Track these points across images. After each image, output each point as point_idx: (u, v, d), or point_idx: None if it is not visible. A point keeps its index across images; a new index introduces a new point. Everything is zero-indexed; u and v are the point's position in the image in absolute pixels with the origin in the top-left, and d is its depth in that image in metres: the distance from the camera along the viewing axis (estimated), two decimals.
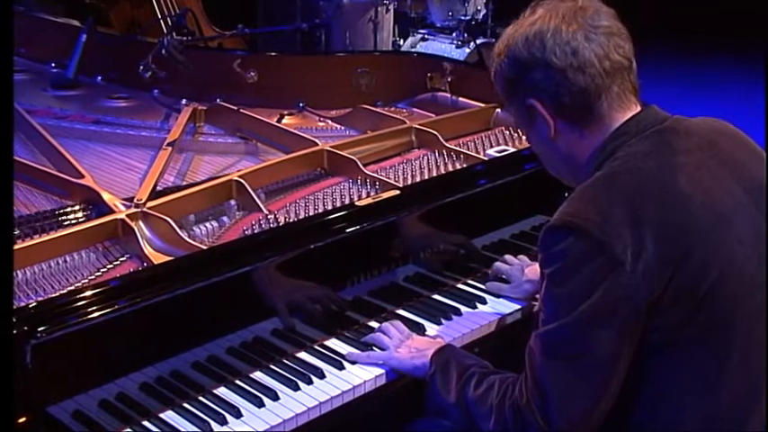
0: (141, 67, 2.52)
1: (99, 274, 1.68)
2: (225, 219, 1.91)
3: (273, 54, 2.92)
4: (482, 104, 2.55)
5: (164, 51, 2.52)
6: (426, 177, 2.12)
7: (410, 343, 1.71)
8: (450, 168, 2.17)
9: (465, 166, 2.17)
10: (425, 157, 2.24)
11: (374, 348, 1.73)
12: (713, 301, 1.33)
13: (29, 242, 1.71)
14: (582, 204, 1.35)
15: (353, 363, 1.70)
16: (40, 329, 1.41)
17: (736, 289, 1.35)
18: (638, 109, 1.45)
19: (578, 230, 1.32)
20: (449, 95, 2.67)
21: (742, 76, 6.06)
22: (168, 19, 3.14)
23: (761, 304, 1.38)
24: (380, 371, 1.69)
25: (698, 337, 1.34)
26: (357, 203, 1.89)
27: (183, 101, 2.58)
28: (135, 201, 1.85)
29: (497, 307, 1.93)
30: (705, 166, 1.40)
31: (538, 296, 1.53)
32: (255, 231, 1.83)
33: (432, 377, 1.58)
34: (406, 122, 2.38)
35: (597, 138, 1.43)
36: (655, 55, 6.58)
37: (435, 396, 1.56)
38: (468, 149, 2.27)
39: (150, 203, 1.84)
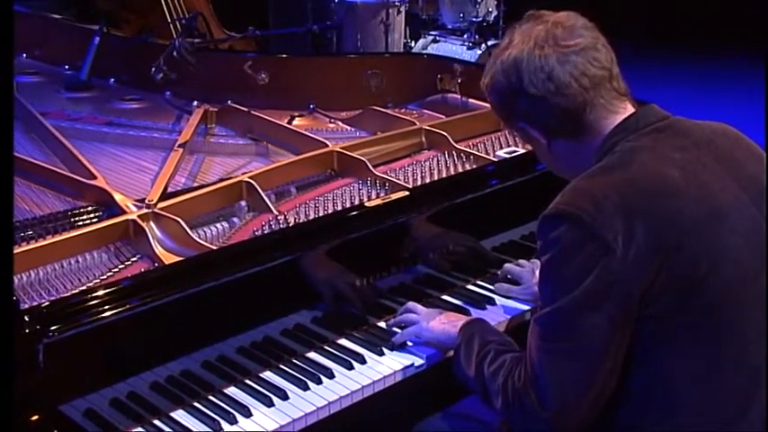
0: (153, 69, 2.54)
1: (111, 274, 1.69)
2: (235, 219, 1.92)
3: (284, 56, 2.94)
4: None
5: (175, 53, 2.54)
6: (436, 178, 2.13)
7: (440, 316, 1.74)
8: (460, 169, 2.18)
9: (475, 167, 2.18)
10: (435, 159, 2.24)
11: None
12: (706, 290, 1.35)
13: (42, 242, 1.73)
14: (576, 194, 1.39)
15: (392, 349, 1.73)
16: (52, 328, 1.42)
17: (729, 279, 1.37)
18: (631, 110, 1.48)
19: (571, 219, 1.36)
20: (459, 97, 2.67)
21: (742, 76, 6.05)
22: (179, 22, 3.16)
23: (757, 295, 1.39)
24: (389, 371, 1.69)
25: (691, 327, 1.36)
26: (367, 204, 1.89)
27: (195, 102, 2.59)
28: (146, 202, 1.87)
29: (507, 308, 1.93)
30: (700, 162, 1.42)
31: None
32: (266, 232, 1.84)
33: (457, 348, 1.61)
34: (416, 124, 2.39)
35: (593, 143, 1.47)
36: (655, 55, 6.58)
37: (459, 368, 1.59)
38: (478, 151, 2.27)
39: (161, 204, 1.86)
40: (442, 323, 1.70)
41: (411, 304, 1.80)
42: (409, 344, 1.75)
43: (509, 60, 1.46)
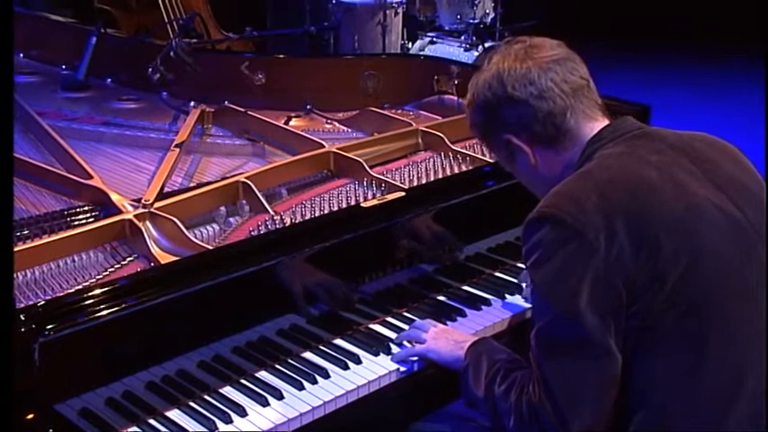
0: (150, 70, 2.54)
1: (107, 273, 1.70)
2: (231, 220, 1.92)
3: (281, 56, 2.94)
4: None
5: (172, 53, 2.55)
6: (432, 179, 2.13)
7: (447, 335, 1.73)
8: (457, 170, 2.18)
9: (471, 168, 2.18)
10: (432, 160, 2.25)
11: (411, 344, 1.75)
12: (687, 285, 1.37)
13: (38, 242, 1.73)
14: (557, 197, 1.43)
15: (399, 360, 1.72)
16: (48, 328, 1.42)
17: (710, 273, 1.39)
18: (607, 121, 1.54)
19: (553, 220, 1.40)
20: (455, 98, 2.67)
21: (742, 77, 6.07)
22: (176, 22, 3.17)
23: (740, 289, 1.41)
24: (385, 371, 1.70)
25: (676, 322, 1.38)
26: (363, 205, 1.90)
27: (192, 103, 2.60)
28: (143, 201, 1.87)
29: (502, 309, 1.93)
30: (677, 163, 1.46)
31: None
32: (262, 232, 1.84)
33: (465, 370, 1.60)
34: (412, 125, 2.39)
35: (572, 151, 1.52)
36: (656, 56, 6.59)
37: (467, 389, 1.59)
38: (475, 152, 2.28)
39: (158, 204, 1.86)
40: (449, 344, 1.69)
41: (419, 322, 1.80)
42: (407, 344, 1.76)
43: (491, 75, 1.53)
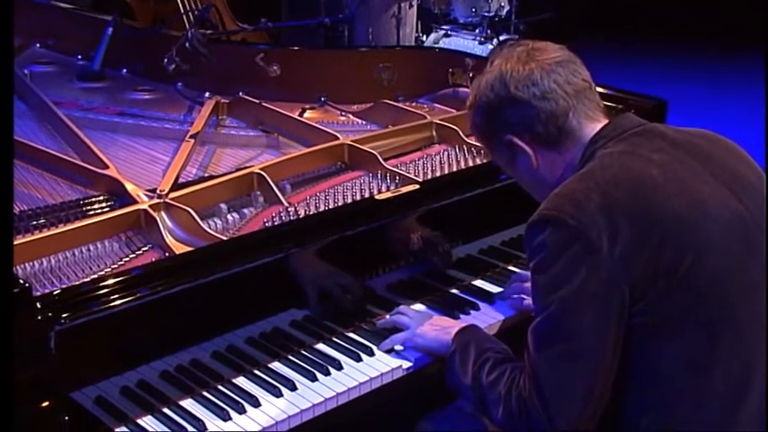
0: (166, 60, 2.55)
1: (122, 263, 1.71)
2: (246, 210, 1.93)
3: (296, 48, 2.94)
4: None
5: (187, 44, 2.55)
6: (446, 172, 2.13)
7: (433, 321, 1.74)
8: (471, 164, 2.18)
9: (485, 161, 2.18)
10: (446, 153, 2.25)
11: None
12: (694, 280, 1.37)
13: (54, 231, 1.74)
14: (559, 199, 1.43)
15: (389, 351, 1.72)
16: (63, 316, 1.43)
17: (715, 269, 1.38)
18: (607, 121, 1.53)
19: (555, 221, 1.39)
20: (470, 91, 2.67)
21: (742, 76, 6.02)
22: (192, 13, 3.18)
23: (745, 284, 1.41)
24: (397, 363, 1.70)
25: (684, 318, 1.38)
26: (377, 197, 1.90)
27: (207, 94, 2.60)
28: (158, 191, 1.88)
29: (515, 302, 1.93)
30: (679, 160, 1.46)
31: None
32: (276, 223, 1.85)
33: (452, 356, 1.61)
34: (426, 118, 2.39)
35: (574, 152, 1.52)
36: (672, 51, 6.53)
37: (453, 375, 1.59)
38: None
39: (172, 194, 1.87)
40: (435, 330, 1.70)
41: (403, 308, 1.81)
42: (399, 348, 1.74)
43: (493, 77, 1.53)
